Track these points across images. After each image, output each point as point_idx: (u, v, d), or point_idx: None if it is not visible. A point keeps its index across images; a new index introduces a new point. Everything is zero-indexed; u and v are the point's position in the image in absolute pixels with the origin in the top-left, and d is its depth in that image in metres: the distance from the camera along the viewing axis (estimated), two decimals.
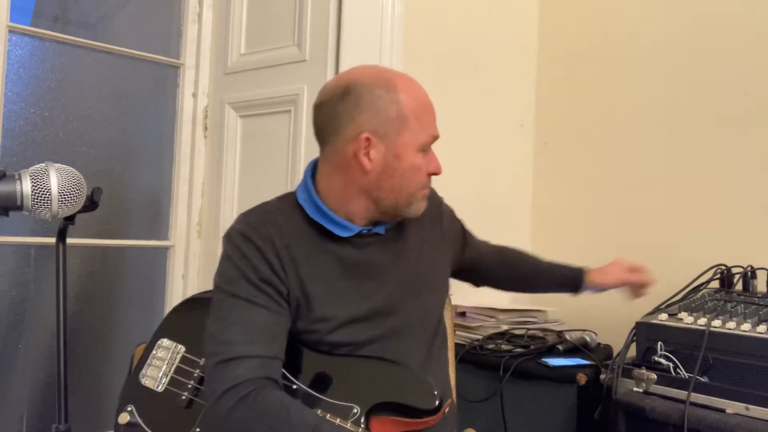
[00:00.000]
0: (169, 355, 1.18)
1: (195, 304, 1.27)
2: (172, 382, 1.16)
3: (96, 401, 2.09)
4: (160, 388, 1.16)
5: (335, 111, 1.11)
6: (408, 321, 1.17)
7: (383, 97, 1.10)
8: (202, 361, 1.17)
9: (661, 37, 2.04)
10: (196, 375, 1.17)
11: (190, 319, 1.22)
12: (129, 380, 1.20)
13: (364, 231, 1.16)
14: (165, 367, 1.18)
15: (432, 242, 1.27)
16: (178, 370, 1.17)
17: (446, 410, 1.08)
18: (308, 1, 1.91)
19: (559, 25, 2.35)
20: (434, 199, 1.32)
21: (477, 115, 2.21)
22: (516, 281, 1.50)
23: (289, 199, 1.18)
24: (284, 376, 1.07)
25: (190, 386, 1.16)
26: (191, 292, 2.14)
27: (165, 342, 1.20)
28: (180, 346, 1.19)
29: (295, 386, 1.07)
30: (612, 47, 2.18)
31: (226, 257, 1.10)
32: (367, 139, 1.09)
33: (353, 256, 1.15)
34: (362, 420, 1.03)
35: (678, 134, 1.98)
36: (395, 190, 1.12)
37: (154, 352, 1.20)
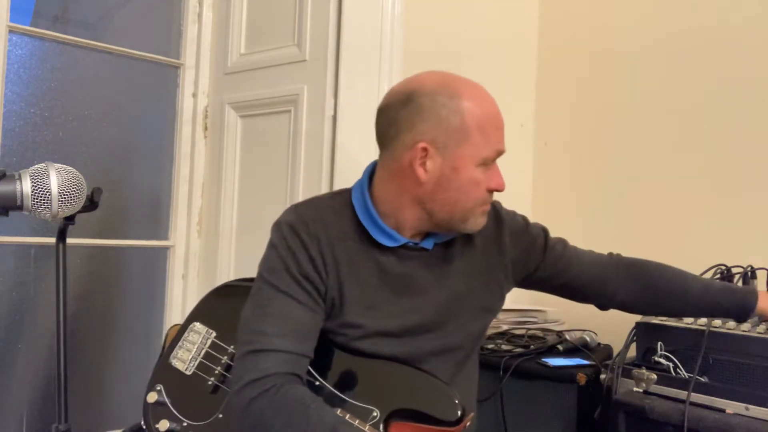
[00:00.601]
0: (200, 340, 1.19)
1: (231, 291, 1.27)
2: (201, 366, 1.17)
3: (96, 401, 2.09)
4: (188, 371, 1.17)
5: (396, 117, 1.09)
6: (441, 344, 1.15)
7: (446, 105, 1.07)
8: (231, 348, 1.19)
9: (661, 37, 2.04)
10: (224, 362, 1.18)
11: (225, 306, 1.22)
12: (160, 360, 1.21)
13: (411, 243, 1.13)
14: (195, 350, 1.19)
15: (483, 263, 1.21)
16: (207, 356, 1.18)
17: (467, 423, 1.06)
18: (308, 1, 1.91)
19: (559, 25, 2.35)
20: (494, 216, 1.24)
21: None
22: (655, 303, 1.29)
23: (343, 196, 1.17)
24: (308, 373, 1.07)
25: (217, 372, 1.17)
26: (191, 292, 2.14)
27: (197, 326, 1.21)
28: (212, 331, 1.19)
29: (318, 383, 1.08)
30: (612, 47, 2.18)
31: (271, 246, 1.11)
32: (424, 149, 1.06)
33: (394, 268, 1.13)
34: (381, 424, 1.02)
35: (678, 134, 1.98)
36: (450, 204, 1.09)
37: (186, 334, 1.20)
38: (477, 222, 1.12)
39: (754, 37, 1.84)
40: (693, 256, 1.74)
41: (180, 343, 1.19)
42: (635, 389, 1.39)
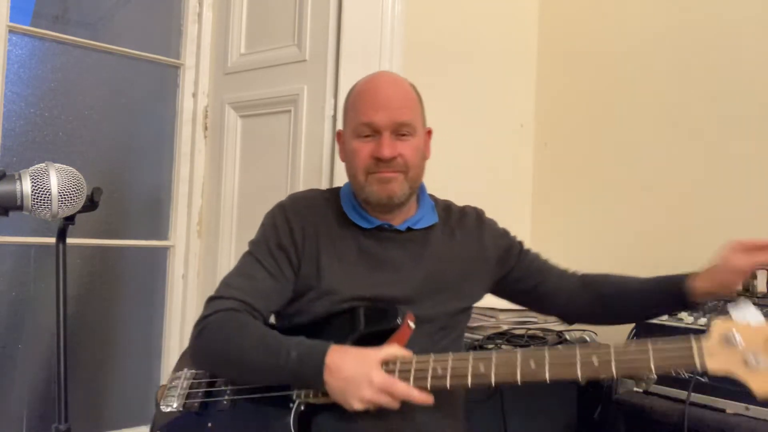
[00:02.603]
0: (183, 379, 1.25)
1: None
2: (188, 396, 1.22)
3: (96, 401, 2.09)
4: (179, 407, 1.21)
5: None
6: (413, 314, 1.20)
7: (346, 97, 1.32)
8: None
9: (662, 37, 2.04)
10: (203, 382, 1.23)
11: None
12: (155, 414, 1.26)
13: (386, 225, 1.26)
14: (180, 389, 1.24)
15: (461, 252, 1.31)
16: (192, 386, 1.23)
17: (411, 322, 1.14)
18: (308, 1, 1.91)
19: (559, 25, 2.35)
20: (471, 214, 1.38)
21: (477, 115, 2.21)
22: (606, 311, 1.36)
23: (337, 188, 1.36)
24: None
25: (201, 393, 1.22)
26: (191, 292, 2.14)
27: (177, 373, 1.28)
28: (190, 371, 1.25)
29: None
30: (612, 47, 2.18)
31: (262, 224, 1.30)
32: (338, 134, 1.35)
33: (372, 247, 1.26)
34: None
35: (678, 134, 1.98)
36: (349, 174, 1.27)
37: (169, 383, 1.26)
38: (372, 190, 1.22)
39: (755, 37, 1.84)
40: (693, 256, 1.74)
41: (167, 392, 1.24)
42: (635, 389, 1.40)
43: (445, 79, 2.11)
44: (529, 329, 1.94)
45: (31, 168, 0.97)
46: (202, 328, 1.15)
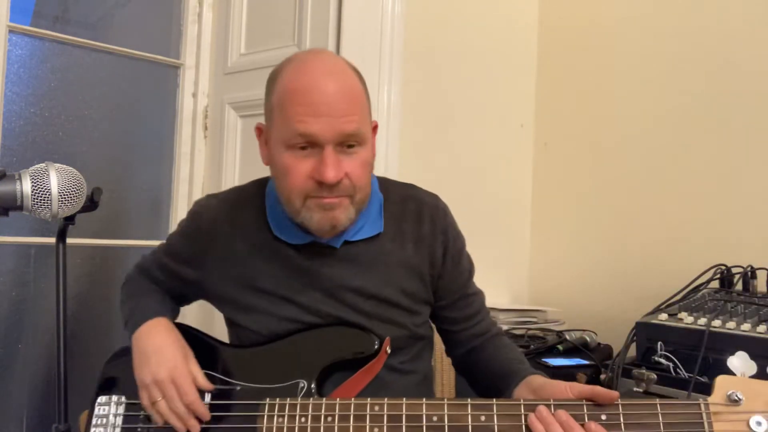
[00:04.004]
0: (111, 410, 1.09)
1: (126, 351, 1.16)
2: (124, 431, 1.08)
3: None
4: None
5: None
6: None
7: (268, 85, 1.04)
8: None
9: (661, 37, 2.04)
10: (142, 416, 1.07)
11: (126, 367, 1.11)
12: None
13: (319, 242, 1.07)
14: (111, 421, 1.08)
15: (410, 264, 1.12)
16: (126, 419, 1.08)
17: (387, 348, 1.05)
18: (308, 1, 1.91)
19: (559, 25, 2.35)
20: (431, 218, 1.15)
21: (477, 115, 2.21)
22: (472, 383, 1.22)
23: (262, 187, 1.16)
24: (224, 381, 1.06)
25: (140, 429, 1.08)
26: None
27: (102, 399, 1.11)
28: (120, 396, 1.10)
29: (239, 387, 1.05)
30: (612, 47, 2.18)
31: (179, 223, 1.20)
32: (258, 129, 1.08)
33: (303, 265, 1.09)
34: (313, 390, 1.01)
35: (678, 134, 1.98)
36: (280, 192, 1.03)
37: (95, 413, 1.10)
38: (312, 217, 1.00)
39: (754, 37, 1.84)
40: (693, 256, 1.74)
41: (94, 422, 1.08)
42: (635, 389, 1.39)
43: (444, 80, 2.11)
44: (529, 329, 1.94)
45: (31, 168, 0.97)
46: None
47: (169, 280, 1.20)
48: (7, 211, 0.95)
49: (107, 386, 1.13)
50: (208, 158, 2.17)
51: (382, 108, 1.85)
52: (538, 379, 1.05)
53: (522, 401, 0.93)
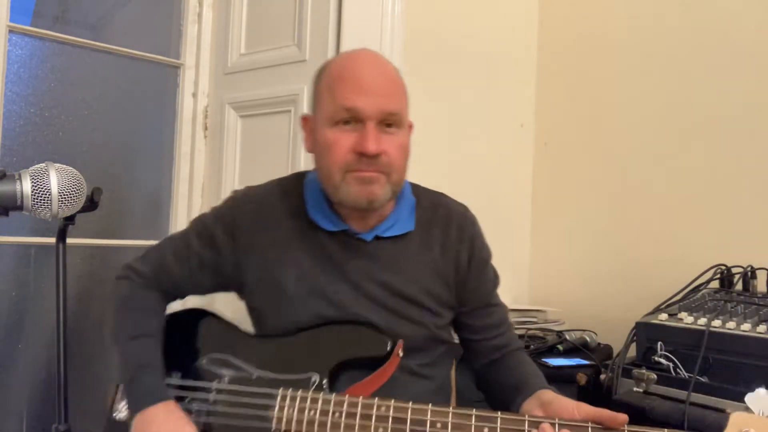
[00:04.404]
0: None
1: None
2: None
3: (96, 401, 2.08)
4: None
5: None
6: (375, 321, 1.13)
7: (316, 77, 1.13)
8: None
9: (662, 37, 2.04)
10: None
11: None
12: (106, 422, 1.16)
13: (351, 231, 1.12)
14: None
15: (436, 268, 1.16)
16: None
17: (399, 351, 1.06)
18: (308, 1, 1.91)
19: (559, 25, 2.35)
20: (459, 224, 1.20)
21: (477, 115, 2.21)
22: (489, 396, 1.22)
23: (300, 177, 1.21)
24: (240, 368, 1.10)
25: None
26: None
27: None
28: None
29: (255, 375, 1.08)
30: (612, 47, 2.18)
31: (214, 208, 1.20)
32: (304, 119, 1.16)
33: (332, 254, 1.13)
34: (325, 385, 1.04)
35: (678, 134, 1.98)
36: (322, 171, 1.10)
37: (120, 387, 1.15)
38: (350, 191, 1.05)
39: (755, 37, 1.84)
40: (693, 256, 1.74)
41: (118, 396, 1.13)
42: (635, 389, 1.39)
43: (445, 79, 2.11)
44: (530, 329, 1.94)
45: (31, 168, 0.97)
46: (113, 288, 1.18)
47: (188, 271, 1.16)
48: (7, 211, 0.96)
49: None
50: (208, 158, 2.17)
51: None
52: (549, 394, 1.06)
53: (527, 417, 0.92)
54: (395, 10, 1.86)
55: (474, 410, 0.94)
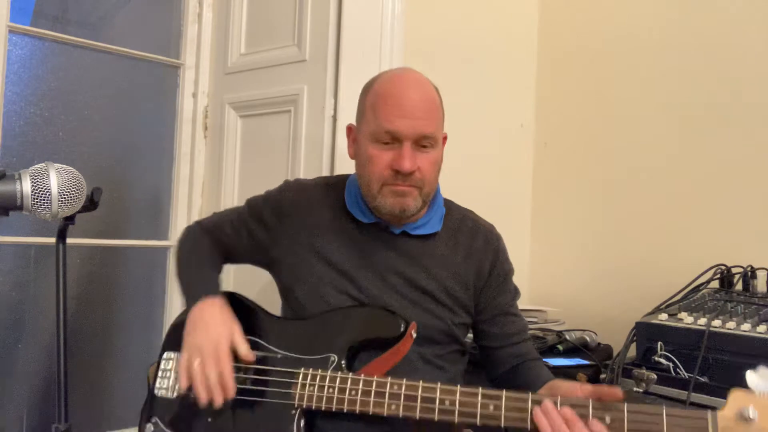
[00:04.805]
0: (174, 364, 1.24)
1: None
2: None
3: (96, 401, 2.09)
4: (173, 395, 1.21)
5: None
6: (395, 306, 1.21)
7: (363, 91, 1.25)
8: None
9: (662, 37, 2.04)
10: None
11: None
12: (147, 397, 1.26)
13: (382, 224, 1.24)
14: (173, 375, 1.23)
15: (458, 270, 1.26)
16: None
17: (413, 332, 1.14)
18: (308, 1, 1.91)
19: (559, 25, 2.35)
20: (485, 236, 1.31)
21: (477, 115, 2.21)
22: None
23: (345, 176, 1.34)
24: (266, 348, 1.20)
25: None
26: None
27: (168, 354, 1.26)
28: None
29: (279, 355, 1.18)
30: (612, 47, 2.18)
31: (267, 191, 1.36)
32: (349, 128, 1.28)
33: (362, 243, 1.25)
34: (343, 365, 1.13)
35: (678, 134, 1.98)
36: (362, 179, 1.22)
37: (162, 365, 1.26)
38: (386, 202, 1.18)
39: (755, 37, 1.84)
40: (693, 256, 1.74)
41: (159, 374, 1.24)
42: (635, 389, 1.39)
43: (445, 79, 2.09)
44: (530, 329, 1.94)
45: (31, 168, 0.97)
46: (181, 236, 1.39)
47: (237, 238, 1.33)
48: (7, 211, 0.95)
49: (173, 343, 1.25)
50: (208, 158, 2.17)
51: None
52: (558, 382, 1.17)
53: (530, 395, 0.98)
54: (395, 10, 1.87)
55: (480, 389, 1.01)
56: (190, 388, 1.13)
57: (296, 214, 1.28)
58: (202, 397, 1.09)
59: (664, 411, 0.91)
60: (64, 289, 1.06)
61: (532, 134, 2.39)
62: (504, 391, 0.99)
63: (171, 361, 1.24)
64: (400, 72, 1.25)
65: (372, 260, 1.24)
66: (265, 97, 1.99)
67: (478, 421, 0.99)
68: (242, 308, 1.25)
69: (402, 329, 1.13)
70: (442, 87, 1.95)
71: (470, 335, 1.36)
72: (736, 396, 0.88)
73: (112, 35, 2.14)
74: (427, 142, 1.17)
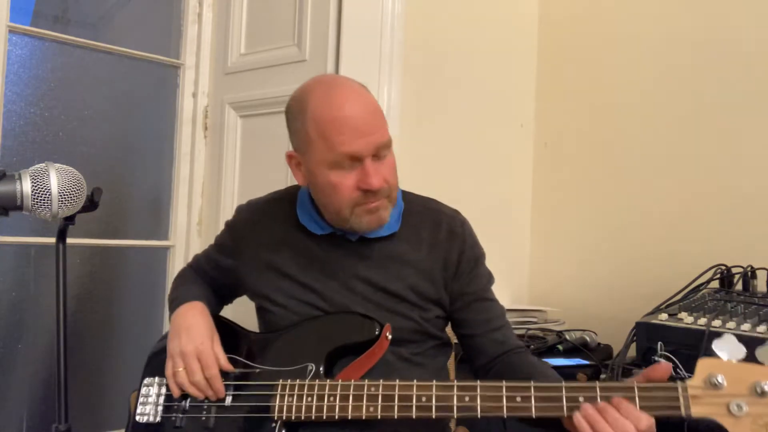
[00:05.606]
0: (155, 389, 1.23)
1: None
2: (165, 409, 1.20)
3: (96, 401, 2.09)
4: (157, 419, 1.20)
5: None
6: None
7: (296, 117, 1.16)
8: None
9: (662, 37, 2.04)
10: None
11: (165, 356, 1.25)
12: (129, 424, 1.26)
13: (338, 233, 1.21)
14: (153, 399, 1.23)
15: (423, 267, 1.22)
16: (168, 398, 1.21)
17: (388, 334, 1.14)
18: (308, 1, 1.91)
19: (559, 25, 2.35)
20: (448, 227, 1.25)
21: (477, 115, 2.21)
22: None
23: (295, 189, 1.31)
24: (244, 364, 1.19)
25: (178, 406, 1.19)
26: None
27: (148, 380, 1.26)
28: (163, 378, 1.21)
29: (258, 370, 1.17)
30: (612, 47, 2.18)
31: (227, 220, 1.37)
32: (290, 157, 1.21)
33: (321, 255, 1.23)
34: (321, 372, 1.12)
35: (678, 134, 1.98)
36: (325, 205, 1.18)
37: (142, 392, 1.25)
38: (361, 221, 1.15)
39: (755, 37, 1.84)
40: (693, 256, 1.74)
41: (140, 401, 1.23)
42: None
43: (445, 79, 2.11)
44: (529, 329, 1.94)
45: (31, 168, 0.97)
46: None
47: (213, 271, 1.36)
48: (7, 211, 0.95)
49: (153, 368, 1.26)
50: (208, 158, 2.17)
51: (382, 107, 1.84)
52: None
53: (504, 383, 0.98)
54: (395, 10, 1.87)
55: (456, 382, 1.01)
56: (172, 411, 1.16)
57: (251, 234, 1.28)
58: (198, 396, 1.13)
59: (635, 385, 0.93)
60: (64, 289, 1.06)
61: (532, 134, 2.39)
62: (478, 382, 0.99)
63: (151, 387, 1.24)
64: (328, 88, 1.15)
65: (333, 269, 1.22)
66: (265, 97, 1.99)
67: (455, 413, 0.99)
68: (219, 325, 1.25)
69: (377, 332, 1.13)
70: (441, 87, 1.94)
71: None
72: (703, 364, 0.90)
73: (112, 35, 2.14)
74: (384, 149, 1.13)
